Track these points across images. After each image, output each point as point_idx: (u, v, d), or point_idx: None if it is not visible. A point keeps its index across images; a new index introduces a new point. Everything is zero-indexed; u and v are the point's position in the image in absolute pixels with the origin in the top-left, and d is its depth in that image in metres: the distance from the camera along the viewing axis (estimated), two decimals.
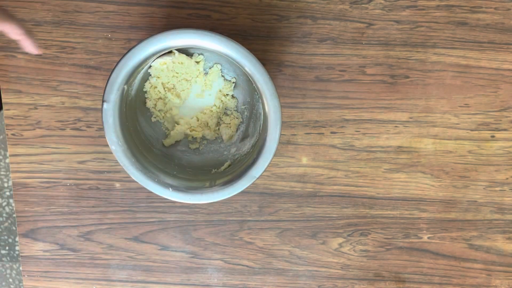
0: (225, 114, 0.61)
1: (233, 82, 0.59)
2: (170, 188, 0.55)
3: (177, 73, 0.58)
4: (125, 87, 0.53)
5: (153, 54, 0.51)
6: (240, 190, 0.54)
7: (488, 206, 0.65)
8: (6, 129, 0.63)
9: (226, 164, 0.59)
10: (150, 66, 0.57)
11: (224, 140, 0.61)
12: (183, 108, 0.61)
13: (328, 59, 0.61)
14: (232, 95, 0.60)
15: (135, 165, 0.54)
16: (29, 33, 0.50)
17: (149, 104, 0.60)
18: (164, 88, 0.59)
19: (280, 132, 0.52)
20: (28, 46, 0.50)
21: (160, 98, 0.59)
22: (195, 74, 0.59)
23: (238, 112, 0.61)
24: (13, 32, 0.49)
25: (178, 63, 0.57)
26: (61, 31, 0.61)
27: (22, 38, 0.49)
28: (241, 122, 0.61)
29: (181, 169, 0.59)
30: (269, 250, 0.67)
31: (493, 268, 0.67)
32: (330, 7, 0.59)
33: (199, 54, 0.58)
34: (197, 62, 0.58)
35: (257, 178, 0.53)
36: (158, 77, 0.58)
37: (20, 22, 0.49)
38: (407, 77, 0.61)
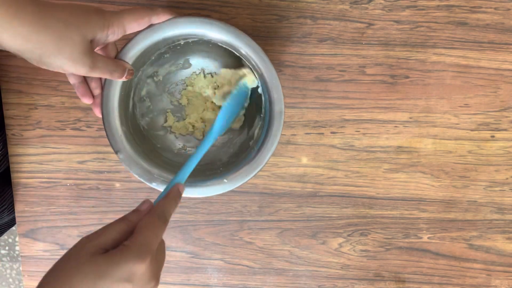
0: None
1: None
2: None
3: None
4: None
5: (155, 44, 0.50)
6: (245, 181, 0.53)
7: (488, 206, 0.65)
8: (6, 129, 0.63)
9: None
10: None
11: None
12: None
13: (328, 59, 0.61)
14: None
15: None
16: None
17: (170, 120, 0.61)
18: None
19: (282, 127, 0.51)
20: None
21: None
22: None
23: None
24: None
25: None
26: None
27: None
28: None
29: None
30: (269, 250, 0.67)
31: (493, 268, 0.67)
32: (330, 7, 0.59)
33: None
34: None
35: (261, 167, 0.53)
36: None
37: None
38: (407, 77, 0.61)
